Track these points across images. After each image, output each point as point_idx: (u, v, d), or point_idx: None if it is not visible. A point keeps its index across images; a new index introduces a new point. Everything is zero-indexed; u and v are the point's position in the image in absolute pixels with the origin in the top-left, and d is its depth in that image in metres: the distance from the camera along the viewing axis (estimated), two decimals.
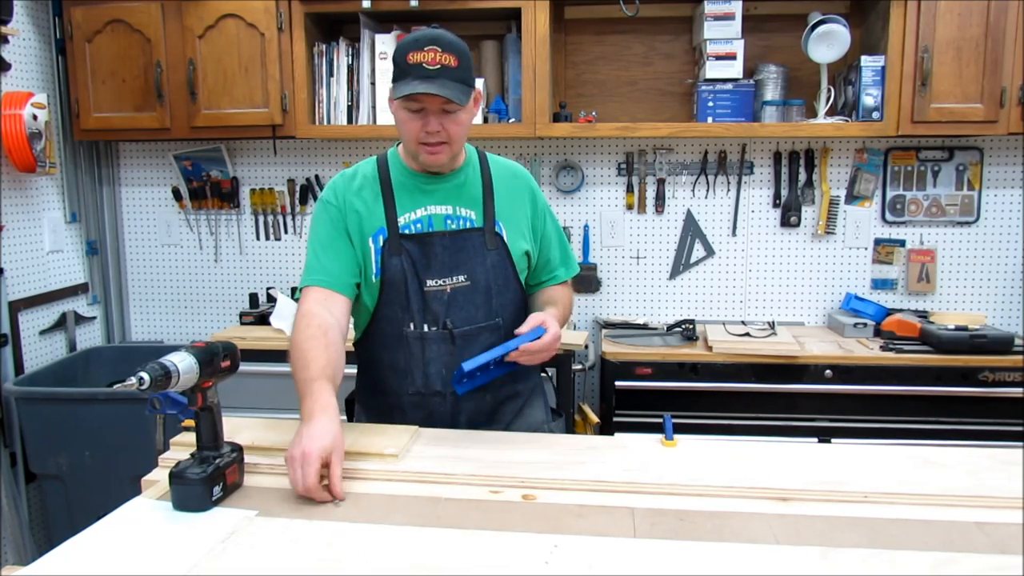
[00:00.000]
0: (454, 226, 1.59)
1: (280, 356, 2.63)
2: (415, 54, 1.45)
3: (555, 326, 1.50)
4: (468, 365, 1.47)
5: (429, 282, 1.57)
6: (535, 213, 1.69)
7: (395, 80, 1.49)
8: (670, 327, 2.86)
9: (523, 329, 1.49)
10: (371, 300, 1.61)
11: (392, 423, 1.64)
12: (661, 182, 3.00)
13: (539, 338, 1.47)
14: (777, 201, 2.97)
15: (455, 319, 1.58)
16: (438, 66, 1.44)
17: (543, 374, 1.87)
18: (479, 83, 2.74)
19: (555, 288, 1.74)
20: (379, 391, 1.68)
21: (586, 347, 2.79)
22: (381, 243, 1.58)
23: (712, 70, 2.67)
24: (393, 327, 1.60)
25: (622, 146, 2.99)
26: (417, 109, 1.49)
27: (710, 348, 2.56)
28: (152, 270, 3.29)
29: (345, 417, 1.72)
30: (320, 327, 1.48)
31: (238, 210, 3.19)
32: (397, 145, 1.66)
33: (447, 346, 1.58)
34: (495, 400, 1.67)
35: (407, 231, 1.58)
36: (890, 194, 2.91)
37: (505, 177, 1.67)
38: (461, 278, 1.58)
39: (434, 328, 1.58)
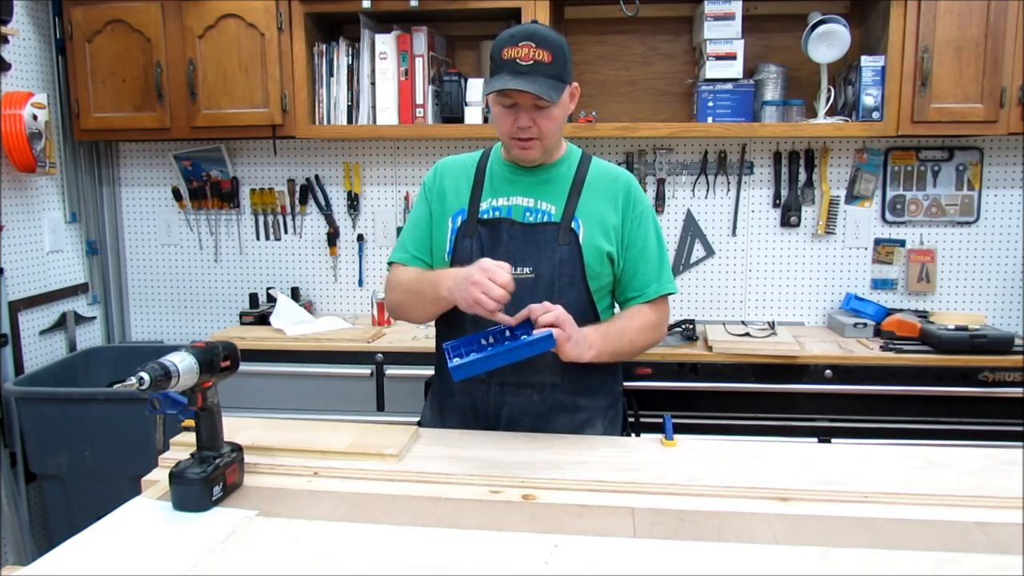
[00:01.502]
0: (532, 219, 1.60)
1: (280, 356, 2.67)
2: (509, 50, 1.47)
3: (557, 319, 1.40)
4: (461, 366, 1.37)
5: None
6: (627, 217, 1.62)
7: (491, 75, 1.52)
8: (670, 327, 2.85)
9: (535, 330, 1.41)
10: None
11: (444, 407, 1.69)
12: (661, 182, 3.00)
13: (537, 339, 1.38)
14: (777, 201, 2.97)
15: (510, 309, 1.55)
16: (531, 62, 1.46)
17: (624, 396, 1.78)
18: (479, 83, 2.74)
19: (631, 309, 1.64)
20: (440, 373, 1.73)
21: None
22: (459, 224, 1.63)
23: (712, 70, 2.67)
24: (455, 308, 1.59)
25: (622, 146, 2.99)
26: (509, 105, 1.51)
27: (710, 348, 2.56)
28: (152, 270, 3.29)
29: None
30: (406, 268, 1.68)
31: (238, 210, 3.19)
32: None
33: (498, 334, 1.57)
34: (543, 403, 1.62)
35: (485, 216, 1.62)
36: (890, 194, 2.91)
37: (601, 178, 1.65)
38: (526, 270, 1.58)
39: None
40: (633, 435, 1.81)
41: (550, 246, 1.58)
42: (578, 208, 1.60)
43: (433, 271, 1.61)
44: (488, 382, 1.61)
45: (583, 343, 1.45)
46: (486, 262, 1.41)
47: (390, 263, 1.74)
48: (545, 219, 1.60)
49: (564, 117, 1.58)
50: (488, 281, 1.37)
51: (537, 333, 1.39)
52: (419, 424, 1.79)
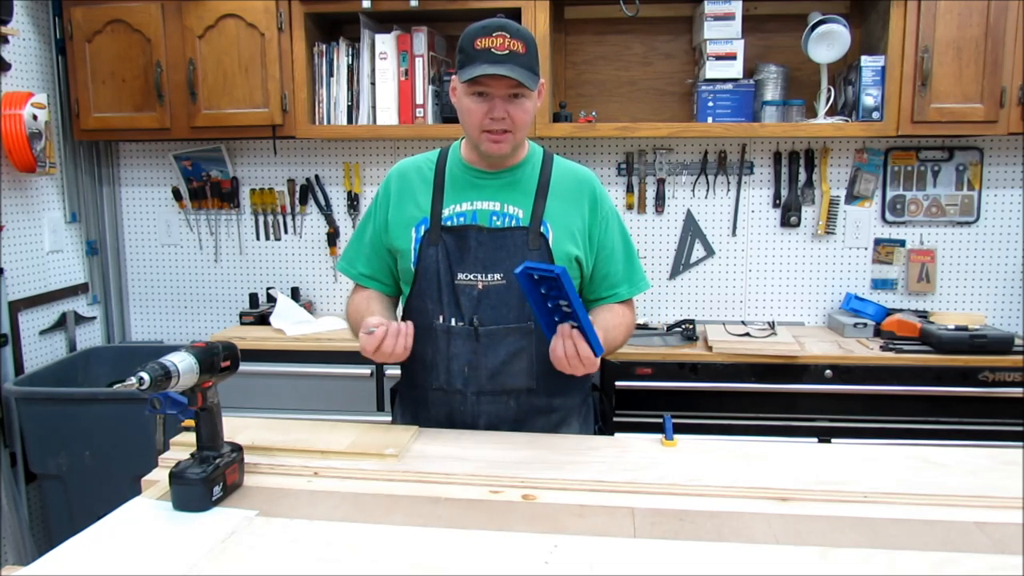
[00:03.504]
0: (499, 223, 1.57)
1: (280, 356, 2.67)
2: (483, 40, 1.44)
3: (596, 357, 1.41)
4: (528, 264, 1.33)
5: (460, 275, 1.56)
6: (594, 219, 1.61)
7: (461, 67, 1.48)
8: (670, 327, 2.86)
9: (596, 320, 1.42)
10: (408, 289, 1.63)
11: (418, 418, 1.66)
12: (661, 182, 3.00)
13: (589, 342, 1.38)
14: (777, 201, 2.97)
15: (483, 317, 1.55)
16: (507, 51, 1.44)
17: (594, 391, 1.78)
18: None
19: (611, 309, 1.64)
20: (411, 383, 1.69)
21: None
22: (422, 233, 1.59)
23: (712, 70, 2.67)
24: (424, 318, 1.60)
25: (622, 146, 2.99)
26: (483, 94, 1.48)
27: (710, 348, 2.56)
28: (152, 270, 3.29)
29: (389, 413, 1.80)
30: (363, 294, 1.69)
31: (238, 210, 3.19)
32: (462, 139, 1.65)
33: (471, 343, 1.56)
34: (519, 408, 1.61)
35: (449, 223, 1.58)
36: (890, 194, 2.91)
37: (566, 178, 1.62)
38: (497, 276, 1.55)
39: (461, 323, 1.57)
40: (603, 427, 1.80)
41: (520, 251, 1.55)
42: (546, 211, 1.57)
43: (363, 321, 1.51)
44: (464, 391, 1.59)
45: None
46: (362, 341, 1.43)
47: (339, 269, 1.74)
48: (513, 223, 1.57)
49: (534, 111, 1.55)
50: (374, 352, 1.43)
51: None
52: None
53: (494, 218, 1.58)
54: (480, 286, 1.56)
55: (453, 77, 1.55)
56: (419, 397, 1.67)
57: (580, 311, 1.35)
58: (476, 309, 1.56)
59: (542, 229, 1.57)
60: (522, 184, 1.60)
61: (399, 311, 1.74)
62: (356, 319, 1.63)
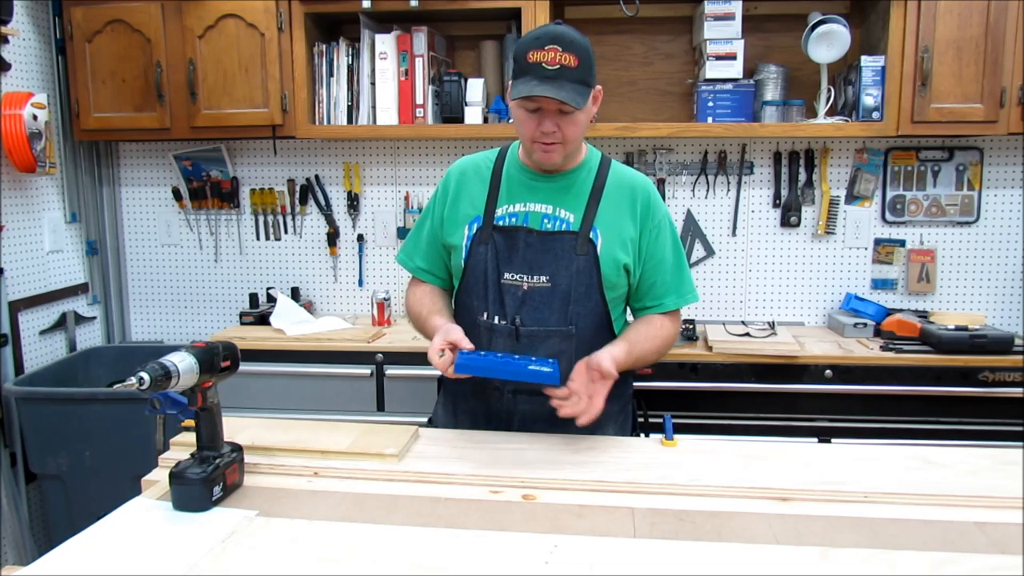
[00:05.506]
0: (550, 226, 1.58)
1: (280, 356, 2.67)
2: (535, 53, 1.44)
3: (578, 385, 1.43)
4: (463, 361, 1.42)
5: (507, 275, 1.58)
6: (645, 228, 1.60)
7: (514, 78, 1.49)
8: None
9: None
10: (457, 285, 1.66)
11: (458, 409, 1.70)
12: (661, 182, 3.00)
13: (554, 385, 1.41)
14: (777, 201, 2.97)
15: (526, 317, 1.57)
16: (557, 66, 1.43)
17: (633, 399, 1.78)
18: (479, 83, 2.75)
19: (650, 322, 1.64)
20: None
21: None
22: (474, 231, 1.61)
23: (712, 70, 2.67)
24: (469, 315, 1.62)
25: (622, 146, 2.99)
26: (533, 109, 1.49)
27: (710, 348, 2.56)
28: (152, 270, 3.29)
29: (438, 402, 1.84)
30: (423, 288, 1.72)
31: (238, 210, 3.19)
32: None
33: (512, 342, 1.57)
34: (555, 409, 1.60)
35: (500, 223, 1.60)
36: (890, 194, 2.91)
37: (620, 186, 1.62)
38: (543, 279, 1.57)
39: (503, 322, 1.58)
40: (642, 435, 1.81)
41: (567, 255, 1.56)
42: (597, 217, 1.58)
43: (430, 322, 1.60)
44: (502, 388, 1.61)
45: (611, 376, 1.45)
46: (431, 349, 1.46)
47: (399, 261, 1.78)
48: (563, 227, 1.58)
49: (587, 121, 1.55)
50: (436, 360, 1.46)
51: (542, 367, 1.41)
52: (430, 421, 1.80)
53: (545, 221, 1.59)
54: (525, 287, 1.57)
55: (508, 85, 1.54)
56: (459, 390, 1.69)
57: (516, 375, 1.41)
58: (520, 309, 1.57)
59: (591, 235, 1.57)
60: (576, 188, 1.61)
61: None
62: (417, 311, 1.69)
